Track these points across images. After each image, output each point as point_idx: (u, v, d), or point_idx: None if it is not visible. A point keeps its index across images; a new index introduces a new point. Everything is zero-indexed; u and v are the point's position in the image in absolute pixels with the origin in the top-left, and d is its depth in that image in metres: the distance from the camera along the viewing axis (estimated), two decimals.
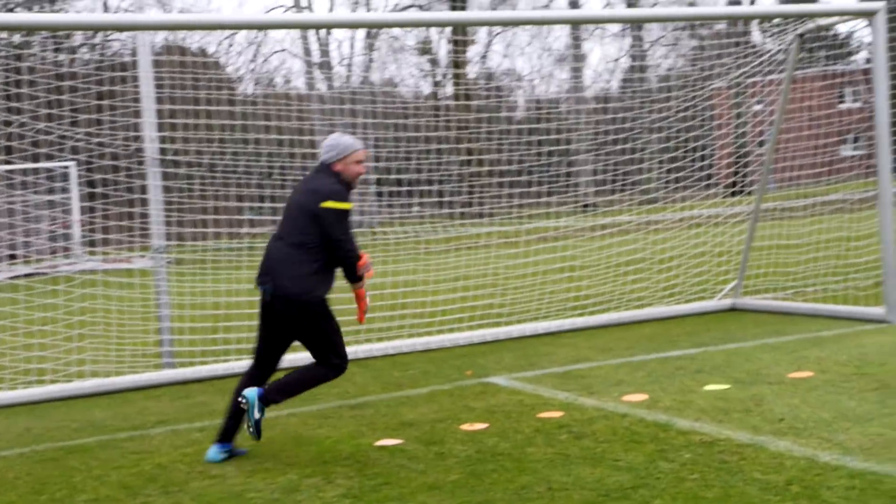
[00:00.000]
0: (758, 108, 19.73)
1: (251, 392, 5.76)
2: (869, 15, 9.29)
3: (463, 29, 19.77)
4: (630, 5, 43.23)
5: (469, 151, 15.08)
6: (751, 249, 11.55)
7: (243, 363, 9.13)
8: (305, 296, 5.75)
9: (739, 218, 12.98)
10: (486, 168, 13.66)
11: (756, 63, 12.63)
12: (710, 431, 5.82)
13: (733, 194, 23.65)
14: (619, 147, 13.98)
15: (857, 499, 4.48)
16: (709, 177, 15.25)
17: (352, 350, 9.40)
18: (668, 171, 13.83)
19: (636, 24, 22.60)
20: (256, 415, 5.75)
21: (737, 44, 19.47)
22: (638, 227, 13.58)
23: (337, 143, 5.99)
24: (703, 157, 14.74)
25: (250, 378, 5.95)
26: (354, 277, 5.96)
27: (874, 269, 11.37)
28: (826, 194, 16.98)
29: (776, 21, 14.89)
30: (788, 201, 15.24)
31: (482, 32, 38.79)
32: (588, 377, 7.81)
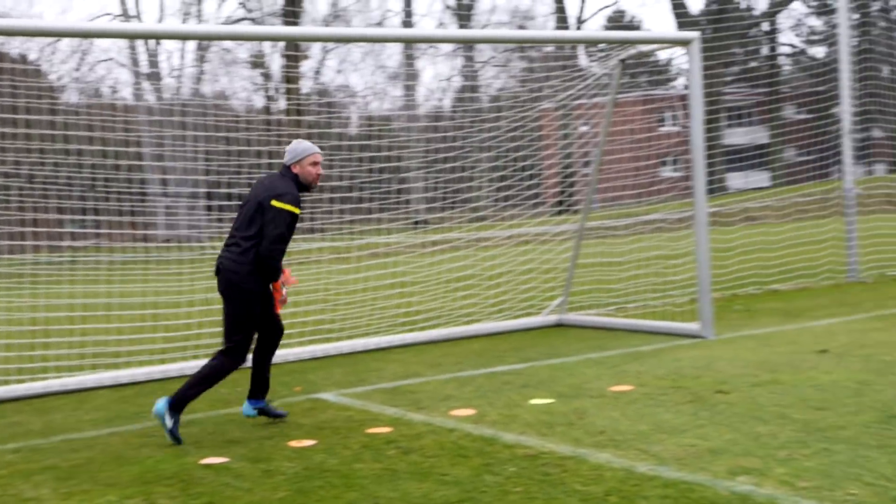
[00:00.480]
0: (584, 129, 20.35)
1: (159, 404, 6.41)
2: (685, 43, 9.72)
3: (296, 44, 19.66)
4: (462, 26, 43.88)
5: None
6: (576, 267, 11.89)
7: (63, 380, 8.82)
8: (241, 284, 6.52)
9: (565, 236, 13.35)
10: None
11: (582, 86, 13.02)
12: (535, 445, 5.95)
13: (560, 213, 24.29)
14: (450, 165, 14.16)
15: None
16: (536, 195, 15.61)
17: (178, 367, 9.22)
18: (498, 189, 14.10)
19: (467, 44, 22.94)
20: (169, 423, 6.38)
21: (564, 67, 20.03)
22: (468, 244, 13.80)
23: (295, 147, 6.76)
24: (531, 177, 15.10)
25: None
26: (268, 278, 6.56)
27: (690, 287, 11.88)
28: (647, 214, 17.64)
29: (601, 46, 15.41)
30: (611, 220, 15.76)
31: (316, 48, 38.64)
32: (417, 392, 7.88)
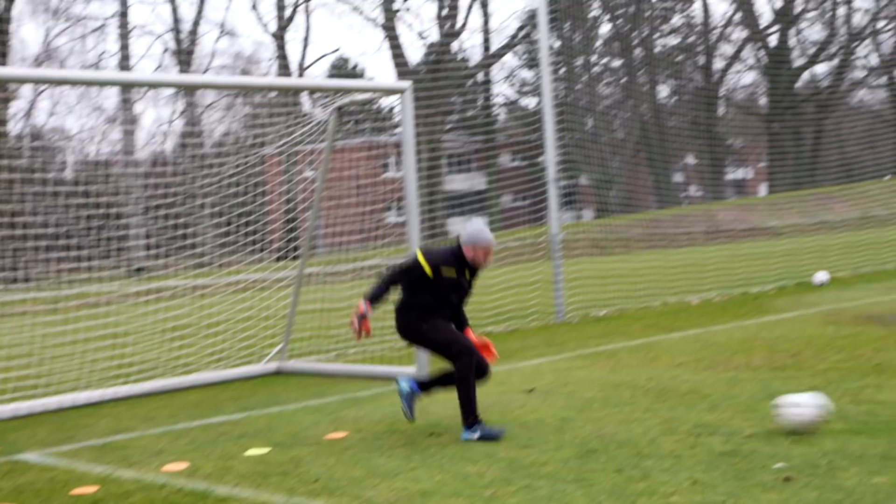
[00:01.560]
0: (308, 174, 20.47)
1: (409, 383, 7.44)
2: (399, 92, 10.01)
3: (2, 84, 18.65)
4: (183, 70, 43.10)
5: (1, 213, 14.19)
6: (296, 313, 11.88)
7: None
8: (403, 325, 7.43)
9: (286, 282, 13.32)
10: (20, 231, 12.91)
11: (303, 132, 13.09)
12: (248, 496, 5.88)
13: (281, 258, 24.12)
14: (171, 210, 13.84)
15: None
16: (258, 241, 15.51)
17: None
18: (220, 235, 13.90)
19: (188, 90, 22.64)
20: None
21: (287, 112, 20.08)
22: (186, 292, 13.49)
23: (474, 232, 7.25)
24: (253, 222, 14.99)
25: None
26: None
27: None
28: (368, 258, 17.90)
29: (322, 93, 15.56)
30: (333, 266, 15.88)
31: (26, 88, 36.79)
32: (128, 448, 7.60)
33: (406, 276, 7.23)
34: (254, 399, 9.72)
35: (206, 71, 46.44)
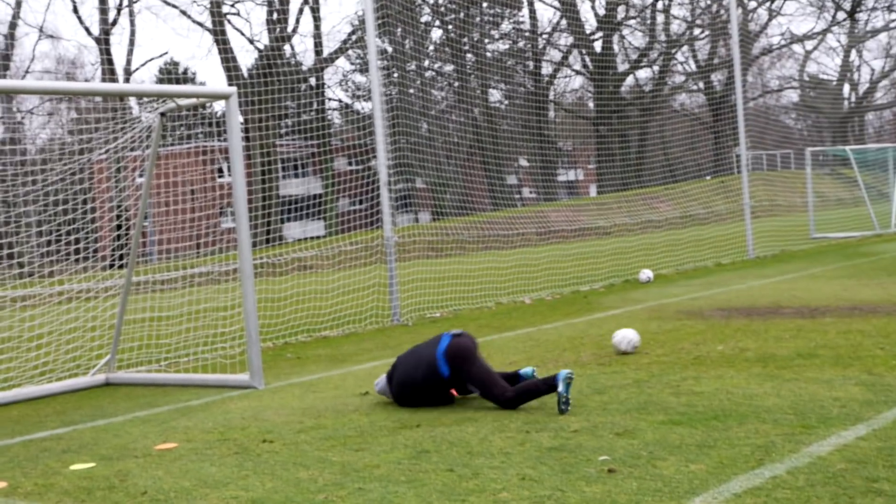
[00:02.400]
0: (140, 180, 19.94)
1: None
2: (225, 97, 9.87)
3: None
4: (0, 76, 41.32)
5: None
6: (125, 322, 11.55)
7: None
8: None
9: (114, 291, 12.94)
10: None
11: (129, 137, 12.75)
12: None
13: (111, 266, 23.43)
14: None
15: None
16: (84, 249, 15.01)
17: None
18: (44, 243, 13.39)
19: (7, 94, 21.69)
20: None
21: (113, 118, 19.49)
22: (7, 303, 12.95)
23: None
24: (80, 229, 14.51)
25: None
26: None
27: (241, 338, 11.99)
28: (203, 264, 17.57)
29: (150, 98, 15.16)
30: (162, 273, 15.52)
31: None
32: None
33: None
34: (79, 412, 9.40)
35: (24, 76, 44.71)
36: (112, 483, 6.37)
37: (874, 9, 63.18)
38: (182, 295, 14.31)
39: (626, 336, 10.29)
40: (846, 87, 64.70)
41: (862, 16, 62.71)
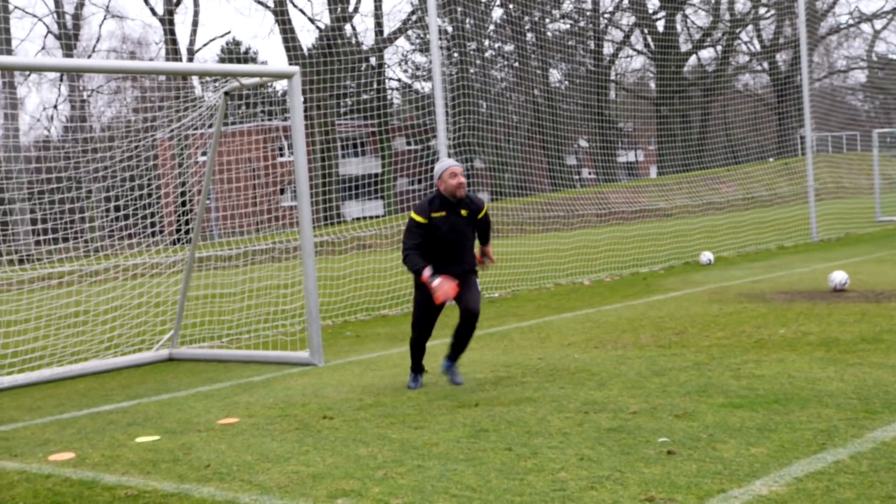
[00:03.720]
0: (203, 158, 20.18)
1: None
2: (288, 77, 9.94)
3: None
4: (67, 54, 41.94)
5: None
6: (187, 299, 11.73)
7: None
8: None
9: (177, 268, 13.14)
10: None
11: (194, 116, 12.90)
12: (137, 484, 5.82)
13: (176, 242, 23.75)
14: (59, 196, 13.50)
15: None
16: (153, 225, 15.26)
17: None
18: (113, 220, 13.62)
19: (74, 73, 22.08)
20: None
21: (177, 97, 19.73)
22: (79, 279, 13.20)
23: (436, 168, 8.08)
24: (147, 206, 14.74)
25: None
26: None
27: (301, 315, 12.10)
28: (265, 241, 17.75)
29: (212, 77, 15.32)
30: (224, 250, 15.70)
31: None
32: (11, 439, 7.43)
33: (414, 236, 7.93)
34: (144, 387, 9.58)
35: (90, 55, 45.33)
36: (176, 456, 6.49)
37: None
38: (244, 272, 14.48)
39: (836, 276, 13.08)
40: None
41: None
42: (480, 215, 8.18)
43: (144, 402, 8.66)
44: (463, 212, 8.05)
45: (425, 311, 8.25)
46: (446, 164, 8.04)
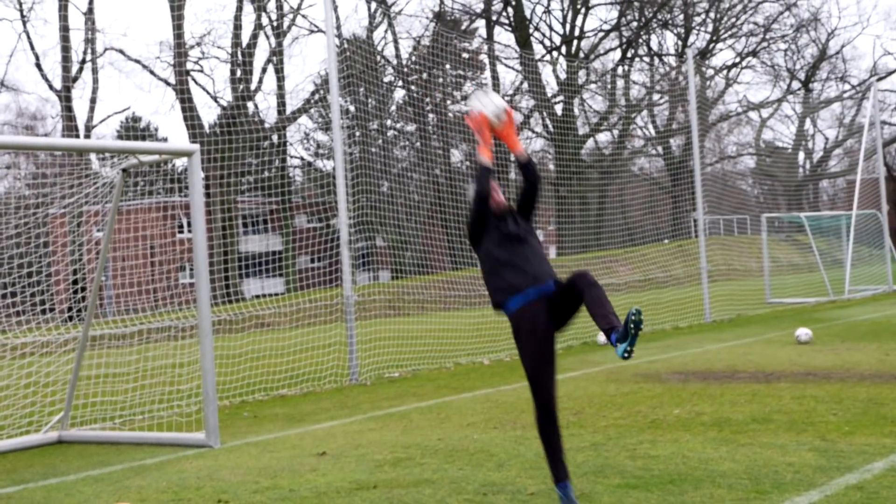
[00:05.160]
0: (98, 234, 19.81)
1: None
2: (188, 154, 9.90)
3: None
4: None
5: None
6: (79, 378, 11.43)
7: None
8: None
9: (70, 346, 12.81)
10: None
11: (90, 192, 12.72)
12: None
13: (70, 319, 23.16)
14: None
15: None
16: (43, 303, 14.87)
17: None
18: (0, 297, 13.25)
19: None
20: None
21: (71, 173, 19.41)
22: None
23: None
24: (37, 283, 14.39)
25: None
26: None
27: (197, 395, 11.89)
28: (161, 319, 17.44)
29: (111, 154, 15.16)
30: (119, 328, 15.38)
31: None
32: None
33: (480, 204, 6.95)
34: (31, 471, 9.26)
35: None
36: None
37: (827, 79, 64.82)
38: (139, 351, 14.19)
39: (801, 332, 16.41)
40: (801, 155, 65.91)
41: (816, 86, 64.26)
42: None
43: (31, 488, 8.37)
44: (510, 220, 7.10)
45: (540, 361, 6.56)
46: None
